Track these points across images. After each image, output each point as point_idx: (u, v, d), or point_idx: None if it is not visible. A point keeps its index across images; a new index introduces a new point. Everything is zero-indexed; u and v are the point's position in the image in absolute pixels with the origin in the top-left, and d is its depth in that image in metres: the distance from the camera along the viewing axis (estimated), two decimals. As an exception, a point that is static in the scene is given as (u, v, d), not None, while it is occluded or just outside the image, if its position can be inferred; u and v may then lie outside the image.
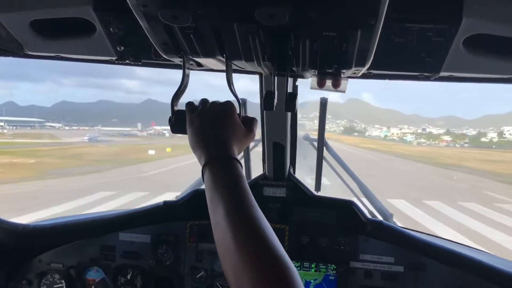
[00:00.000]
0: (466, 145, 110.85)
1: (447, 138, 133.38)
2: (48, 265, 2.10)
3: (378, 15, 0.76)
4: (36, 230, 2.06)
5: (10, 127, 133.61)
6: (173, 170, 25.12)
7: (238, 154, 0.96)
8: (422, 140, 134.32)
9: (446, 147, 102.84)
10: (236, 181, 0.84)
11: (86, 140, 64.84)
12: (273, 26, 0.78)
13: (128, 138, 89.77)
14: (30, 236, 2.05)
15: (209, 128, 0.95)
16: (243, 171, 0.90)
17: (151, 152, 39.66)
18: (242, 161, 2.47)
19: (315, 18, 0.78)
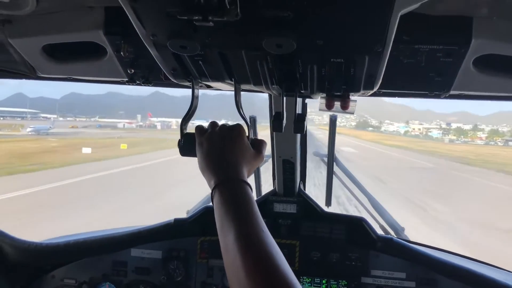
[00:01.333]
0: (511, 143, 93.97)
1: (482, 134, 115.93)
2: (61, 281, 2.11)
3: (386, 43, 0.75)
4: (49, 248, 2.05)
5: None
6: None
7: (248, 176, 0.95)
8: (453, 137, 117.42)
9: (486, 145, 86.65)
10: (246, 205, 0.83)
11: (29, 133, 49.27)
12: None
13: (101, 130, 76.03)
14: (43, 254, 2.04)
15: (218, 151, 0.94)
16: (253, 193, 0.89)
17: (86, 150, 28.31)
18: (252, 179, 2.43)
19: (322, 45, 0.78)
